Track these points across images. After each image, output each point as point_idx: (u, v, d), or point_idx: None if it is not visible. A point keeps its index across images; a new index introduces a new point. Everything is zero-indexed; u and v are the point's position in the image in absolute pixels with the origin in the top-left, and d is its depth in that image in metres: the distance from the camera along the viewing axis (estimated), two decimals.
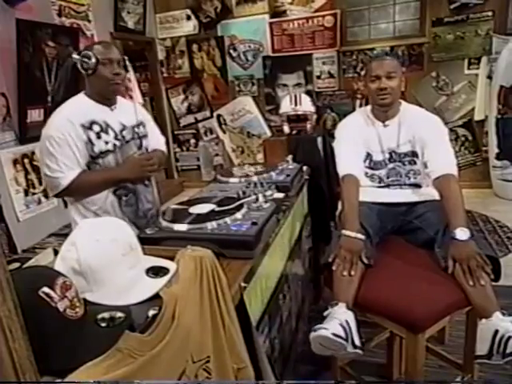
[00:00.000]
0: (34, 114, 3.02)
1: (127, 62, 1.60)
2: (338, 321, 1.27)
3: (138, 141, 1.67)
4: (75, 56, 1.52)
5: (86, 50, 1.51)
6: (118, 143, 1.58)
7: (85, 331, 0.69)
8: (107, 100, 1.59)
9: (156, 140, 1.82)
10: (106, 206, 1.57)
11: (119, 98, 1.66)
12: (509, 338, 1.17)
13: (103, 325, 0.72)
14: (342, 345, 1.24)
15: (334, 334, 1.23)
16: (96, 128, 1.52)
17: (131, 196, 1.62)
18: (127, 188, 1.61)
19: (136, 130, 1.67)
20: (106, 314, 0.74)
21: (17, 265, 1.06)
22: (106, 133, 1.55)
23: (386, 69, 1.61)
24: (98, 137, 1.52)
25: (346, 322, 1.27)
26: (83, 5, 3.65)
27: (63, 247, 0.86)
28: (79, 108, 1.53)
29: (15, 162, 2.92)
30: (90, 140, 1.50)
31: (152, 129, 1.81)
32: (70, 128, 1.46)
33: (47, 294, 0.66)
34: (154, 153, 1.73)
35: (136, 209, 1.64)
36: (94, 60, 1.49)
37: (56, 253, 0.99)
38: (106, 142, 1.54)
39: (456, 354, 1.65)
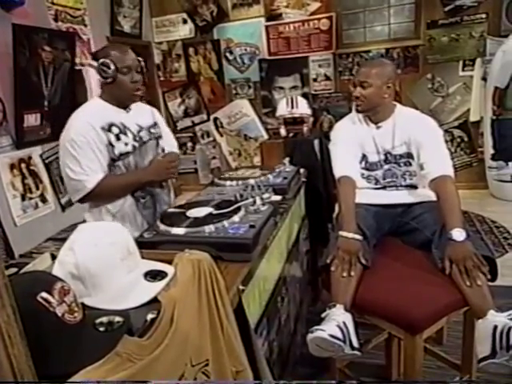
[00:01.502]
0: (31, 119, 3.01)
1: (142, 63, 1.61)
2: (336, 322, 1.27)
3: (155, 141, 1.68)
4: (93, 63, 1.51)
5: (104, 58, 1.48)
6: (136, 144, 1.59)
7: (83, 336, 0.69)
8: (123, 105, 1.59)
9: (170, 141, 1.84)
10: (125, 208, 1.57)
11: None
12: (509, 329, 1.17)
13: (102, 329, 0.72)
14: (340, 346, 1.24)
15: (332, 336, 1.23)
16: (115, 130, 1.53)
17: (149, 198, 1.63)
18: (145, 190, 1.62)
19: (152, 130, 1.68)
20: (104, 319, 0.74)
21: (14, 270, 1.06)
22: (125, 134, 1.56)
23: (361, 78, 1.66)
24: (118, 139, 1.53)
25: (344, 323, 1.28)
26: (79, 9, 3.65)
27: (61, 252, 0.86)
28: (97, 111, 1.53)
29: (12, 166, 2.91)
30: (110, 142, 1.51)
31: (166, 131, 1.83)
32: (92, 131, 1.46)
33: (45, 299, 0.66)
34: (175, 154, 1.76)
35: (154, 211, 1.63)
36: (113, 68, 1.47)
37: (53, 257, 0.99)
38: (126, 144, 1.55)
39: (454, 354, 1.66)
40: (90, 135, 1.46)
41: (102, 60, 1.48)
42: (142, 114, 1.67)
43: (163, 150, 1.73)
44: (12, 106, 2.89)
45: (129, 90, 1.53)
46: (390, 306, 1.31)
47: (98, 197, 1.52)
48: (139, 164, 1.60)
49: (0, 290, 0.48)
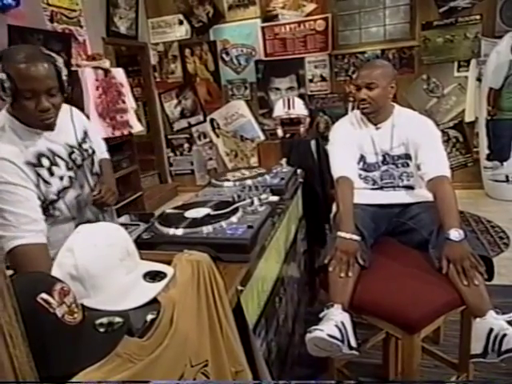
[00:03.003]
0: None
1: (65, 82, 1.20)
2: (334, 322, 1.28)
3: (89, 160, 1.42)
4: None
5: (3, 70, 1.08)
6: (72, 174, 1.31)
7: (83, 337, 0.69)
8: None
9: (101, 147, 1.56)
10: None
11: None
12: (503, 335, 1.18)
13: (102, 330, 0.72)
14: (338, 346, 1.25)
15: (330, 335, 1.24)
16: (45, 162, 1.23)
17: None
18: (89, 222, 1.32)
19: (84, 146, 1.39)
20: (104, 320, 0.74)
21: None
22: (57, 165, 1.27)
23: (366, 80, 1.64)
24: (51, 173, 1.24)
25: (342, 323, 1.28)
26: (75, 10, 3.64)
27: (60, 253, 0.86)
28: (14, 139, 1.18)
29: None
30: (44, 180, 1.21)
31: (94, 134, 1.53)
32: (10, 169, 1.14)
33: (45, 300, 0.66)
34: (100, 179, 1.46)
35: None
36: (9, 88, 1.09)
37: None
38: (61, 178, 1.27)
39: (451, 353, 1.67)
40: (11, 175, 1.13)
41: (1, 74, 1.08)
42: (67, 127, 1.33)
43: (100, 171, 1.47)
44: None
45: (34, 119, 1.17)
46: (388, 306, 1.31)
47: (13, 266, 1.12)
48: (81, 197, 1.35)
49: (2, 291, 0.48)
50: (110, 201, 1.42)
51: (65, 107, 1.33)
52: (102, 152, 1.58)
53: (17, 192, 1.14)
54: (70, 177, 1.31)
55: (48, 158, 1.25)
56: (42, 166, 1.22)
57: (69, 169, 1.32)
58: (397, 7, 4.10)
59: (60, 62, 1.20)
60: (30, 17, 3.09)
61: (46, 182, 1.23)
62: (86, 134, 1.44)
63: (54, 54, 1.21)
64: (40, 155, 1.23)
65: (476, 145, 4.15)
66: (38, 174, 1.21)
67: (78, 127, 1.39)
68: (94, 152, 1.46)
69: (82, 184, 1.38)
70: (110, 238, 0.89)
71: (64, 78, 1.21)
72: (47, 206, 1.24)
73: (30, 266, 1.08)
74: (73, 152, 1.35)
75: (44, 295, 0.66)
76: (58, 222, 1.31)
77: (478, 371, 1.59)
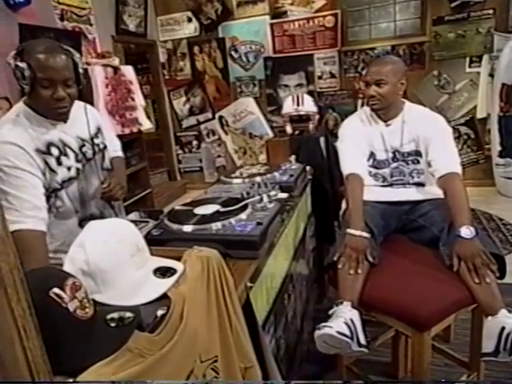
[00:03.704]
0: None
1: (81, 73, 1.26)
2: (343, 319, 1.27)
3: (100, 154, 1.45)
4: (10, 60, 1.18)
5: (23, 59, 1.15)
6: (80, 166, 1.35)
7: (95, 331, 0.70)
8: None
9: (114, 145, 1.60)
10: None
11: None
12: None
13: (113, 325, 0.73)
14: (347, 343, 1.24)
15: (339, 332, 1.24)
16: (55, 151, 1.27)
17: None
18: (93, 216, 1.39)
19: (96, 141, 1.43)
20: (115, 314, 0.74)
21: None
22: (66, 155, 1.30)
23: (375, 76, 1.62)
24: (59, 163, 1.27)
25: (351, 320, 1.28)
26: (85, 9, 3.67)
27: (71, 249, 0.87)
28: (28, 127, 1.23)
29: None
30: (50, 168, 1.24)
31: (108, 132, 1.57)
32: (20, 154, 1.18)
33: (58, 295, 0.67)
34: (110, 174, 1.48)
35: None
36: (28, 77, 1.15)
37: None
38: (69, 168, 1.30)
39: (462, 352, 1.65)
40: (19, 159, 1.17)
41: (17, 62, 1.16)
42: (80, 121, 1.37)
43: (110, 167, 1.50)
44: None
45: (49, 108, 1.22)
46: (398, 303, 1.30)
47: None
48: (85, 190, 1.37)
49: (16, 285, 0.48)
50: (119, 195, 1.43)
51: (79, 103, 1.38)
52: (115, 150, 1.61)
53: (23, 177, 1.17)
54: (77, 168, 1.34)
55: (58, 147, 1.29)
56: (50, 154, 1.26)
57: (78, 161, 1.35)
58: (407, 2, 4.05)
59: (77, 56, 1.27)
60: (41, 15, 3.12)
61: (52, 170, 1.26)
62: (99, 129, 1.48)
63: (71, 50, 1.28)
64: (50, 144, 1.27)
65: (488, 141, 4.09)
66: (46, 162, 1.24)
67: (91, 122, 1.42)
68: (105, 147, 1.49)
69: (89, 177, 1.40)
70: (120, 234, 0.90)
71: (80, 70, 1.27)
72: (50, 195, 1.27)
73: (24, 252, 1.01)
74: (84, 145, 1.38)
75: (56, 290, 0.67)
76: (61, 214, 1.33)
77: (489, 370, 1.57)
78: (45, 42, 1.28)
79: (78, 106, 1.37)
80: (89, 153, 1.40)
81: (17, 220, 1.13)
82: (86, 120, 1.39)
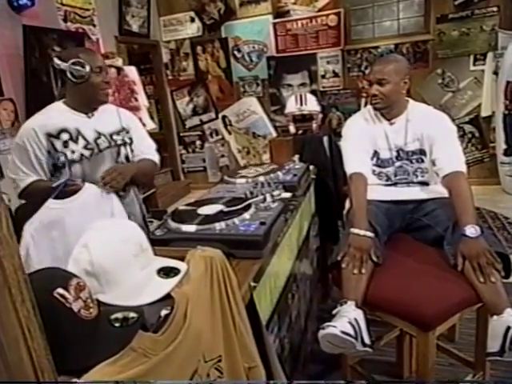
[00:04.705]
0: None
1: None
2: (347, 319, 1.27)
3: (116, 149, 1.59)
4: (61, 63, 1.45)
5: (74, 58, 1.44)
6: (86, 153, 1.51)
7: (99, 331, 0.70)
8: (90, 108, 1.55)
9: (145, 148, 1.72)
10: None
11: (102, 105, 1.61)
12: None
13: (117, 325, 0.73)
14: (352, 343, 1.24)
15: (343, 332, 1.23)
16: (64, 136, 1.48)
17: None
18: None
19: (115, 137, 1.59)
20: (119, 315, 0.75)
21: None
22: (75, 141, 1.49)
23: (377, 75, 1.62)
24: (65, 145, 1.48)
25: (355, 320, 1.27)
26: (88, 10, 3.68)
27: (75, 249, 0.88)
28: (51, 116, 1.50)
29: None
30: (55, 149, 1.46)
31: (140, 135, 1.73)
32: (31, 137, 1.45)
33: (62, 295, 0.67)
34: (120, 165, 1.59)
35: None
36: (88, 68, 1.45)
37: None
38: (73, 152, 1.49)
39: (467, 351, 1.64)
40: (29, 141, 1.45)
41: (74, 60, 1.44)
42: (106, 119, 1.59)
43: (127, 159, 1.63)
44: (23, 106, 2.93)
45: (101, 90, 1.51)
46: (402, 303, 1.30)
47: (30, 198, 1.48)
48: (87, 174, 1.51)
49: (20, 286, 0.49)
50: (115, 183, 1.44)
51: (112, 106, 1.67)
52: (148, 153, 1.72)
53: (30, 157, 1.45)
54: (81, 154, 1.50)
55: (70, 133, 1.49)
56: (59, 138, 1.48)
57: (86, 148, 1.51)
58: (410, 0, 4.03)
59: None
60: (45, 17, 3.13)
61: (56, 150, 1.47)
62: (124, 129, 1.63)
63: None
64: (62, 130, 1.48)
65: (492, 140, 4.06)
66: (52, 144, 1.47)
67: (117, 121, 1.61)
68: (124, 145, 1.62)
69: (96, 165, 1.53)
70: (123, 234, 0.90)
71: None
72: (55, 172, 1.49)
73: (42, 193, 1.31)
74: (99, 137, 1.55)
75: (60, 290, 0.67)
76: None
77: (494, 370, 1.56)
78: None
79: (112, 109, 1.64)
80: (103, 145, 1.55)
81: (28, 174, 1.46)
82: (112, 119, 1.61)
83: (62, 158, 1.47)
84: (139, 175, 1.61)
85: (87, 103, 1.54)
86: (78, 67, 1.44)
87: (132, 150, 1.65)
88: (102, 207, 1.38)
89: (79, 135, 1.51)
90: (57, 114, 1.50)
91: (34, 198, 1.31)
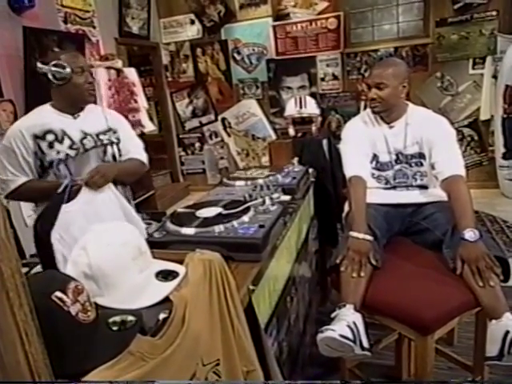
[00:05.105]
0: None
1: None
2: (346, 322, 1.27)
3: (102, 148, 1.61)
4: (42, 66, 1.49)
5: (55, 60, 1.48)
6: (72, 153, 1.53)
7: (97, 335, 0.70)
8: (76, 109, 1.58)
9: (132, 147, 1.73)
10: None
11: (88, 105, 1.63)
12: None
13: (115, 328, 0.73)
14: (350, 346, 1.24)
15: (342, 336, 1.23)
16: (50, 137, 1.51)
17: None
18: None
19: (101, 137, 1.62)
20: (117, 318, 0.74)
21: (25, 270, 1.07)
22: (60, 142, 1.52)
23: (376, 79, 1.62)
24: (51, 146, 1.51)
25: (354, 323, 1.27)
26: (88, 11, 3.69)
27: (74, 252, 0.87)
28: (36, 118, 1.53)
29: None
30: (41, 150, 1.50)
31: (128, 135, 1.74)
32: (18, 138, 1.48)
33: (60, 299, 0.67)
34: (103, 165, 1.57)
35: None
36: (68, 70, 1.48)
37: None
38: (58, 152, 1.51)
39: (465, 355, 1.64)
40: (16, 142, 1.48)
41: (54, 62, 1.48)
42: (92, 120, 1.61)
43: (114, 158, 1.64)
44: (23, 107, 2.92)
45: (84, 90, 1.54)
46: (401, 307, 1.30)
47: (20, 198, 1.60)
48: (73, 173, 1.53)
49: (18, 289, 0.48)
50: (97, 183, 1.42)
51: (98, 107, 1.70)
52: (129, 151, 1.71)
53: (17, 156, 1.48)
54: (66, 154, 1.52)
55: (55, 134, 1.51)
56: (44, 139, 1.50)
57: (71, 148, 1.53)
58: (410, 4, 4.05)
59: None
60: (45, 18, 3.14)
61: (42, 151, 1.50)
62: (111, 129, 1.65)
63: None
64: (48, 132, 1.51)
65: (491, 143, 4.07)
66: (38, 145, 1.49)
67: (103, 121, 1.63)
68: (111, 144, 1.63)
69: (82, 164, 1.55)
70: (122, 237, 0.90)
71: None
72: (42, 170, 1.52)
73: (33, 193, 1.52)
74: (85, 137, 1.57)
75: (58, 293, 0.67)
76: None
77: (492, 374, 1.56)
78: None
79: (98, 110, 1.67)
80: (88, 144, 1.57)
81: (19, 175, 1.49)
82: (99, 119, 1.62)
83: (48, 159, 1.51)
84: (123, 175, 1.61)
85: (72, 104, 1.57)
86: (58, 69, 1.48)
87: (119, 150, 1.67)
88: (105, 200, 1.43)
89: (65, 136, 1.53)
90: (43, 116, 1.54)
91: (46, 204, 1.23)
